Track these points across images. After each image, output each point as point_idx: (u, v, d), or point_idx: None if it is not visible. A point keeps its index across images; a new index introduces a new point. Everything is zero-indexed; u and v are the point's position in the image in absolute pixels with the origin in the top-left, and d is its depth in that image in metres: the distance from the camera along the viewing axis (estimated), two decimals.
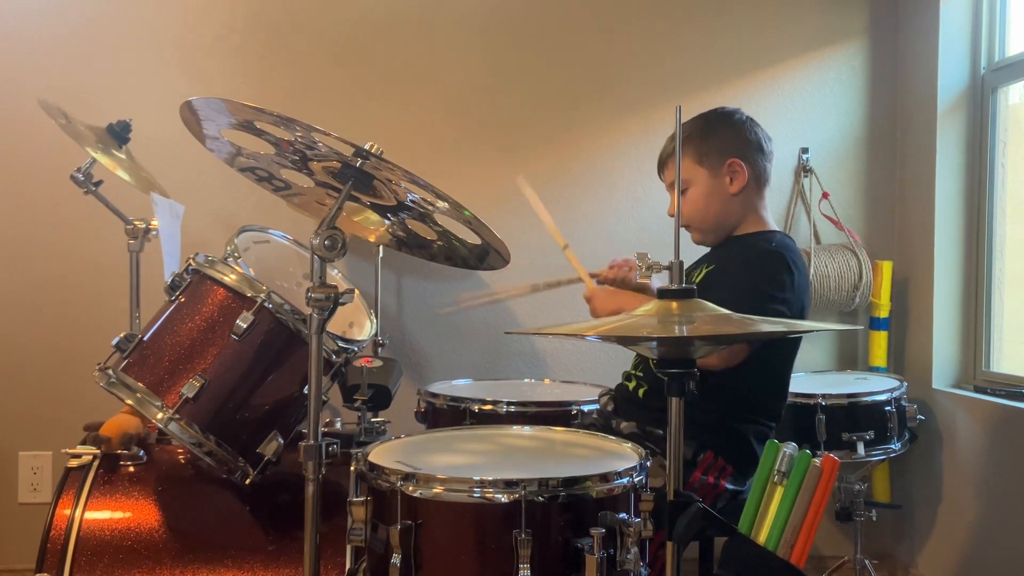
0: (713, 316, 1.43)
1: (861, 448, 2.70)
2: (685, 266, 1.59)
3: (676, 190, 1.55)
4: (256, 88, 3.07)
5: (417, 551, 1.46)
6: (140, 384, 1.89)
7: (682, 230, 1.86)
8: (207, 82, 3.05)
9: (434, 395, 2.53)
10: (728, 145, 2.15)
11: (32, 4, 3.00)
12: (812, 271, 3.07)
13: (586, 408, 2.38)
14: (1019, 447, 2.64)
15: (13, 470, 3.02)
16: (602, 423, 2.23)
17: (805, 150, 3.24)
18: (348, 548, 1.86)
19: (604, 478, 1.49)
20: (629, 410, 2.15)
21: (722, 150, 2.14)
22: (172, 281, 1.99)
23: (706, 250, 2.26)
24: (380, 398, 2.33)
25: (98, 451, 2.06)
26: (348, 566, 1.85)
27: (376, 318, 2.65)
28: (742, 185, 2.14)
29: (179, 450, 2.15)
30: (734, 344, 1.91)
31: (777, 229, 2.23)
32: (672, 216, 2.22)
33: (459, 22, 3.16)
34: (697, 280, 2.14)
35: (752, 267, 2.06)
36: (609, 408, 2.23)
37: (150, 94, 2.99)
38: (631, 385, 2.19)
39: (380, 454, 1.65)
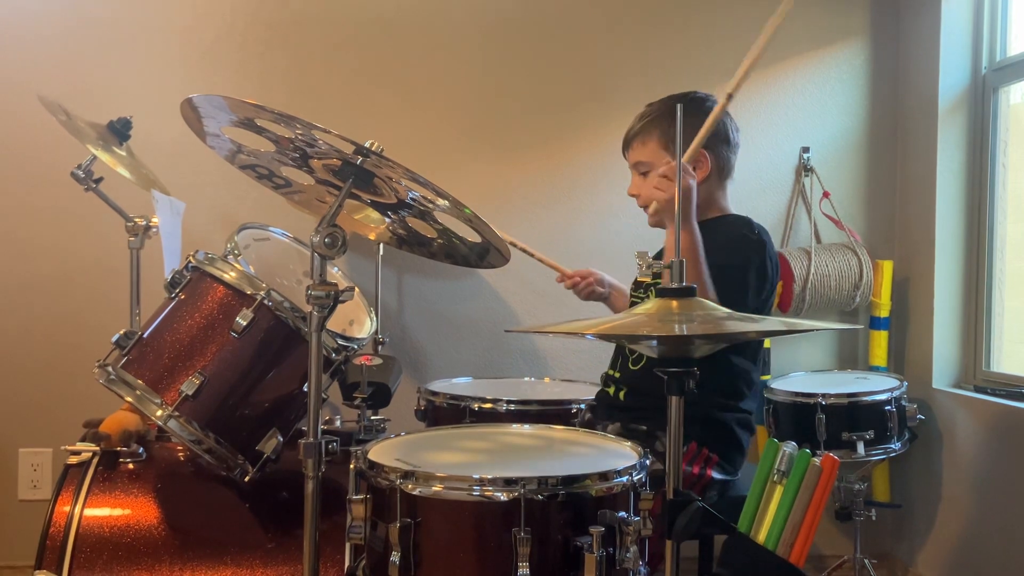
0: (713, 315, 1.43)
1: (861, 448, 2.70)
2: (652, 253, 1.58)
3: (677, 188, 1.54)
4: (257, 85, 3.07)
5: (416, 549, 1.47)
6: (140, 381, 1.89)
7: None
8: (208, 79, 3.05)
9: (434, 393, 2.53)
10: (694, 133, 2.08)
11: (33, 2, 3.00)
12: (812, 270, 3.07)
13: (585, 407, 2.38)
14: (1019, 447, 2.64)
15: (13, 467, 3.02)
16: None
17: (806, 149, 3.24)
18: (347, 546, 1.86)
19: (603, 477, 1.49)
20: (613, 415, 2.15)
21: (687, 137, 2.09)
22: (172, 278, 1.99)
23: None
24: (380, 396, 2.33)
25: (98, 448, 2.06)
26: (347, 564, 1.85)
27: (376, 316, 2.64)
28: (704, 175, 2.12)
29: (178, 447, 2.15)
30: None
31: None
32: (631, 196, 2.24)
33: (460, 21, 3.16)
34: None
35: (735, 253, 2.03)
36: (587, 416, 2.24)
37: (151, 91, 2.99)
38: (611, 390, 2.19)
39: (379, 452, 1.65)
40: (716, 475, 1.98)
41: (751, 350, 2.13)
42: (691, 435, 1.97)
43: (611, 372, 2.22)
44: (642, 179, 2.19)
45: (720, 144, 2.15)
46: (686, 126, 2.07)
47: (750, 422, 2.10)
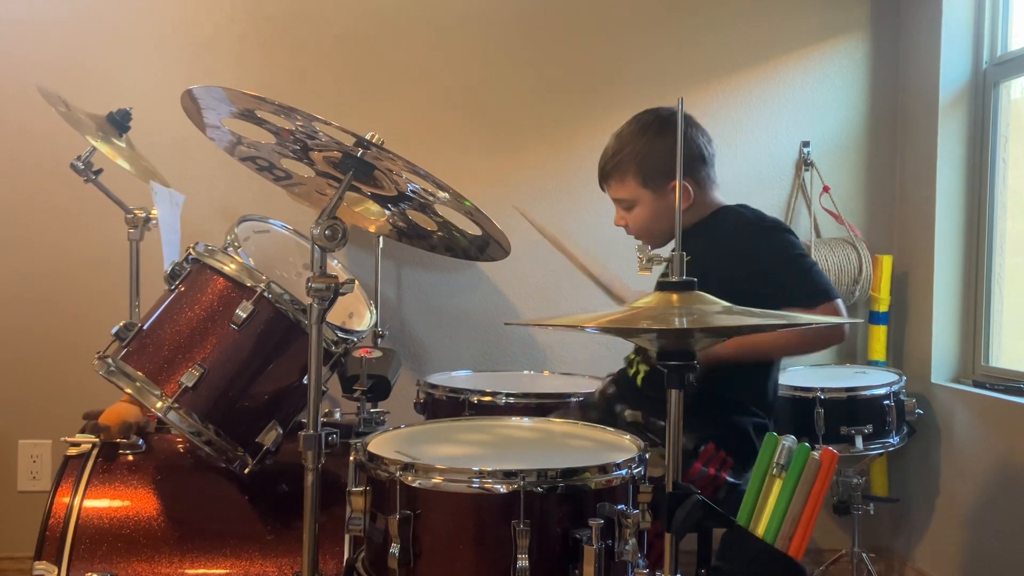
0: (713, 308, 1.43)
1: (859, 442, 2.70)
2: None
3: (678, 186, 1.54)
4: (257, 77, 3.07)
5: (416, 541, 1.47)
6: (139, 373, 1.89)
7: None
8: (208, 70, 3.05)
9: (433, 386, 2.54)
10: (669, 163, 2.06)
11: None
12: None
13: (610, 380, 2.37)
14: (1017, 442, 2.65)
15: (13, 458, 3.02)
16: (605, 407, 2.23)
17: (806, 143, 3.24)
18: (347, 538, 1.86)
19: (603, 469, 1.49)
20: (629, 397, 2.15)
21: (664, 170, 2.08)
22: (172, 270, 1.99)
23: None
24: (379, 389, 2.33)
25: (97, 440, 2.06)
26: (347, 556, 1.86)
27: (376, 309, 2.65)
28: (690, 202, 2.12)
29: (178, 439, 2.15)
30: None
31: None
32: (618, 226, 2.23)
33: (461, 13, 3.15)
34: None
35: (766, 245, 2.07)
36: (611, 391, 2.23)
37: (151, 82, 2.99)
38: (631, 371, 2.19)
39: (379, 444, 1.65)
40: (729, 478, 1.98)
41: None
42: (709, 436, 1.98)
43: (632, 356, 2.22)
44: (626, 212, 2.19)
45: (697, 164, 2.13)
46: (655, 157, 2.08)
47: (766, 429, 2.09)
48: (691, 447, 1.96)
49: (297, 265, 2.41)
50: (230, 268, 1.93)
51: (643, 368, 2.13)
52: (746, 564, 1.47)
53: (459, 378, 2.73)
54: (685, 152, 2.04)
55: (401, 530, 1.46)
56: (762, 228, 2.12)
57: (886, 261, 3.17)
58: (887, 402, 2.76)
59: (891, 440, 2.77)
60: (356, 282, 2.12)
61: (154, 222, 2.41)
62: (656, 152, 2.09)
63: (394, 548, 1.45)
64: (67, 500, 1.92)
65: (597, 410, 2.24)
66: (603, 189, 2.25)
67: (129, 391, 1.89)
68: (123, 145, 2.43)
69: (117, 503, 1.95)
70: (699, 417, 1.90)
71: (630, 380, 2.17)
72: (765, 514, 1.48)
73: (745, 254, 2.07)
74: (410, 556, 1.46)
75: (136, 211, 2.41)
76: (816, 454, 1.47)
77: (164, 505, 1.95)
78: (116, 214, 2.44)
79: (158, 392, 1.87)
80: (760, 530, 1.47)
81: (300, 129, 1.64)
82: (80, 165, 2.36)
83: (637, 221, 2.16)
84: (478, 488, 1.44)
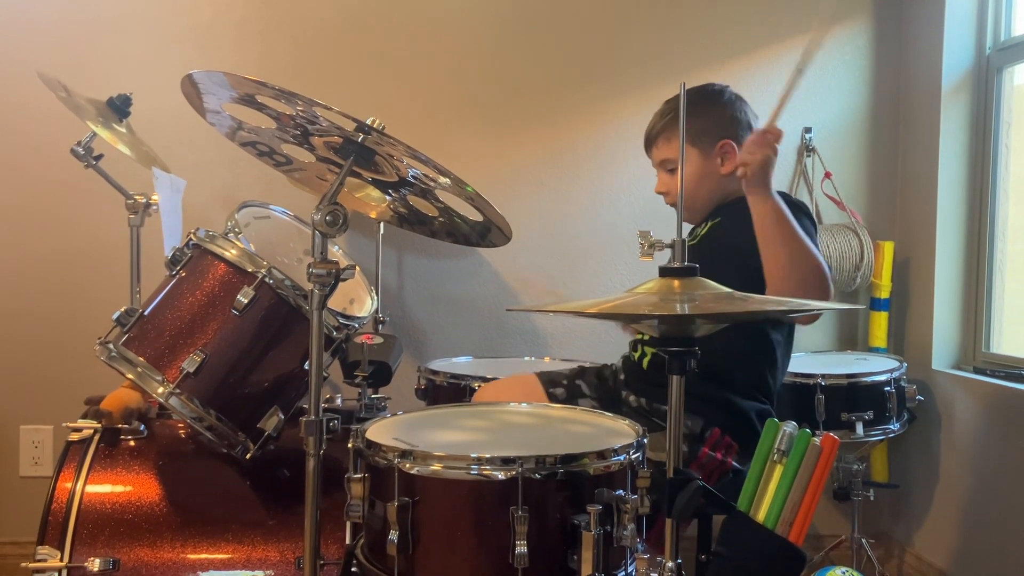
0: (715, 294, 1.43)
1: (860, 428, 2.71)
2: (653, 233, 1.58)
3: (680, 169, 1.54)
4: (257, 62, 3.06)
5: (414, 527, 1.47)
6: (141, 358, 1.89)
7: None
8: (209, 55, 3.04)
9: (434, 372, 2.54)
10: (719, 126, 2.12)
11: None
12: None
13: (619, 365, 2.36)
14: (1017, 428, 2.65)
15: (14, 443, 3.03)
16: (611, 390, 2.23)
17: (808, 129, 3.23)
18: (347, 524, 1.87)
19: (601, 455, 1.50)
20: (634, 382, 2.15)
21: (713, 131, 2.11)
22: (173, 256, 1.99)
23: None
24: (380, 375, 2.33)
25: (99, 425, 2.07)
26: (347, 541, 1.86)
27: (377, 295, 2.65)
28: (734, 166, 2.13)
29: (180, 425, 2.15)
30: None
31: None
32: (659, 194, 2.24)
33: (461, 1, 3.14)
34: (703, 232, 2.13)
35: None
36: (621, 377, 2.23)
37: (151, 67, 2.98)
38: (636, 355, 2.19)
39: (378, 431, 1.65)
40: (735, 464, 1.99)
41: (789, 344, 2.12)
42: (715, 421, 1.98)
43: (640, 335, 2.21)
44: (669, 176, 2.19)
45: (745, 132, 2.14)
46: (704, 117, 2.11)
47: (769, 415, 2.09)
48: (697, 431, 1.96)
49: (298, 251, 2.41)
50: (231, 254, 1.93)
51: (649, 351, 2.13)
52: (746, 550, 1.47)
53: (460, 364, 2.73)
54: (733, 120, 2.13)
55: (400, 517, 1.46)
56: (787, 199, 2.12)
57: (887, 247, 3.17)
58: (888, 388, 2.76)
59: (891, 426, 2.77)
60: (357, 268, 2.12)
61: (155, 208, 2.41)
62: (706, 114, 2.11)
63: (393, 535, 1.46)
64: (69, 485, 1.93)
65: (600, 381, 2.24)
66: (648, 153, 2.24)
67: (130, 377, 1.89)
68: (123, 130, 2.42)
69: (119, 488, 1.96)
70: (702, 402, 1.91)
71: (635, 364, 2.17)
72: (765, 500, 1.48)
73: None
74: (409, 543, 1.47)
75: (137, 197, 2.41)
76: (817, 440, 1.47)
77: (166, 490, 1.96)
78: (117, 200, 2.43)
79: (159, 378, 1.87)
80: (760, 516, 1.47)
81: (301, 114, 1.64)
82: (80, 150, 2.35)
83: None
84: (476, 475, 1.45)
